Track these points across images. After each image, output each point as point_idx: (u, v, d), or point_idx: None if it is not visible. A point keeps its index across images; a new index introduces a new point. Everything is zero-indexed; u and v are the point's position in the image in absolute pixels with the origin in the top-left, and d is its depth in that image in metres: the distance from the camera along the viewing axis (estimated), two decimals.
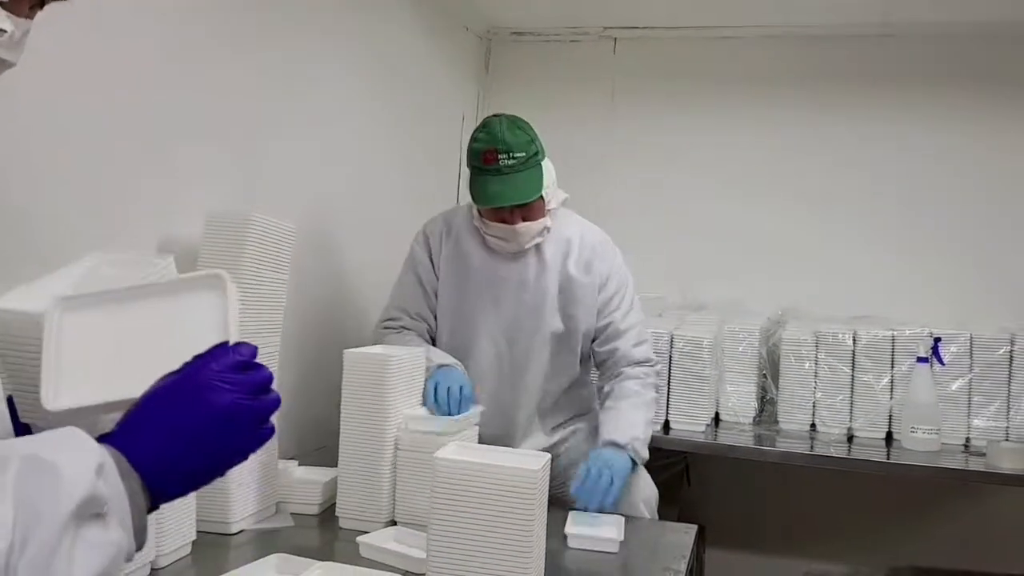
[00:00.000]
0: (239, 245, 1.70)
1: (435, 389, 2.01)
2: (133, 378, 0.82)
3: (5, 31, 0.84)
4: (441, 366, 2.11)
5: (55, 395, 0.88)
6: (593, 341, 2.27)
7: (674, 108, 3.38)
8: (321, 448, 2.26)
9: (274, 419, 0.87)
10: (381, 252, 2.73)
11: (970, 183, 3.08)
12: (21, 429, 0.95)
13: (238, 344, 0.86)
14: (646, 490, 2.20)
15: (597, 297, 2.24)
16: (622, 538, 1.79)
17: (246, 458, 0.85)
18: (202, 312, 0.94)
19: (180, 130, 1.83)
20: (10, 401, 0.97)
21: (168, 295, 0.98)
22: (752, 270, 3.21)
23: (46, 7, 0.93)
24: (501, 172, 2.06)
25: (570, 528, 1.80)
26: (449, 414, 1.98)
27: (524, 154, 2.07)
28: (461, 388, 2.02)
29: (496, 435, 2.18)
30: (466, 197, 3.31)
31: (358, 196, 2.63)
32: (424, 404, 2.00)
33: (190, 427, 0.80)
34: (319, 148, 2.39)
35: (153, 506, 0.80)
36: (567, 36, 3.49)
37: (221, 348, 0.85)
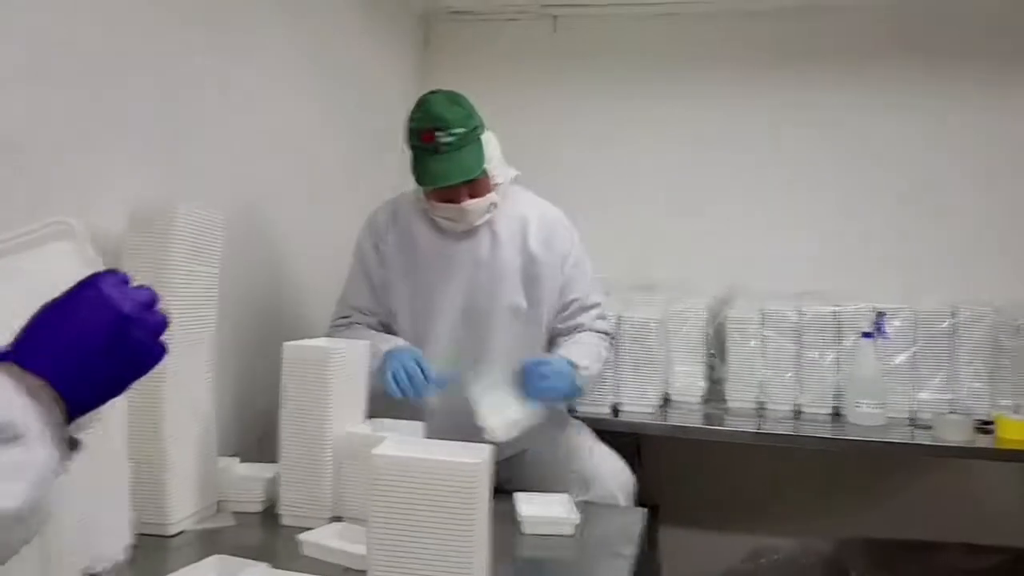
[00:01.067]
0: (165, 238, 1.64)
1: (393, 377, 1.97)
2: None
3: None
4: (389, 352, 2.07)
5: None
6: (556, 316, 2.25)
7: (616, 87, 3.35)
8: (262, 437, 2.21)
9: (165, 340, 0.86)
10: (323, 239, 2.67)
11: (910, 157, 3.10)
12: None
13: (111, 270, 0.85)
14: (621, 476, 2.19)
15: (560, 275, 2.22)
16: (576, 518, 1.77)
17: (145, 367, 0.85)
18: (61, 261, 0.89)
19: (102, 120, 1.74)
20: None
21: (16, 251, 0.92)
22: (698, 248, 3.20)
23: None
24: (439, 151, 2.01)
25: (524, 511, 1.79)
26: (416, 397, 1.96)
27: (463, 129, 2.02)
28: (418, 362, 1.99)
29: (455, 422, 2.15)
30: (410, 179, 3.29)
31: (296, 182, 2.56)
32: (389, 393, 1.97)
33: (84, 330, 0.80)
34: (253, 134, 2.31)
35: (73, 415, 0.79)
36: (506, 14, 3.44)
37: (97, 273, 0.85)
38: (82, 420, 0.80)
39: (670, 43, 3.31)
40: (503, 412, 1.99)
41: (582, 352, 2.16)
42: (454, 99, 2.07)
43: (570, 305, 2.24)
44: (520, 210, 2.22)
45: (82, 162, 1.70)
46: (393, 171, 3.29)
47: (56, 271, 0.88)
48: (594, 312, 2.27)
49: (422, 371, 2.00)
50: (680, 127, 3.29)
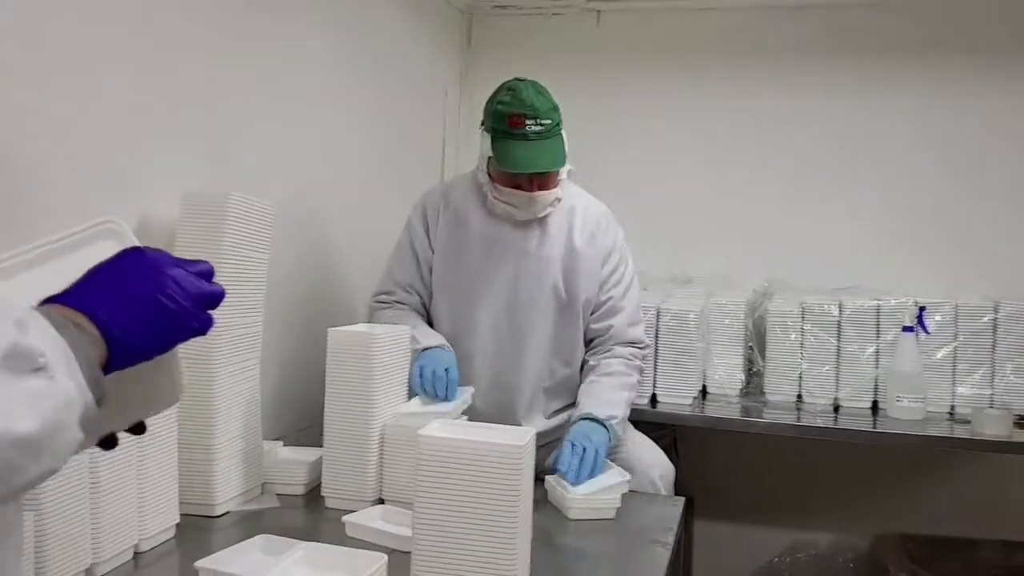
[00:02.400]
0: (217, 225, 1.69)
1: (420, 373, 2.00)
2: None
3: None
4: (426, 348, 2.10)
5: None
6: (591, 315, 2.26)
7: (658, 80, 3.35)
8: (307, 428, 2.25)
9: (215, 315, 0.87)
10: (365, 228, 2.71)
11: (953, 152, 3.07)
12: None
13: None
14: (661, 465, 2.20)
15: (600, 271, 2.22)
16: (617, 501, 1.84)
17: (191, 332, 0.84)
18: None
19: (155, 112, 1.80)
20: None
21: (67, 252, 0.96)
22: (738, 242, 3.20)
23: None
24: (528, 137, 2.03)
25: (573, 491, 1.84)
26: (436, 397, 1.97)
27: (551, 121, 2.04)
28: (447, 370, 2.01)
29: (496, 411, 2.18)
30: (451, 169, 3.33)
31: (341, 173, 2.60)
32: (410, 388, 2.00)
33: (129, 276, 0.80)
34: (299, 127, 2.36)
35: (116, 361, 0.78)
36: (550, 9, 3.45)
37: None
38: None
39: (713, 37, 3.30)
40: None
41: (605, 400, 2.12)
42: (541, 90, 2.09)
43: (605, 303, 2.24)
44: (569, 203, 2.23)
45: (138, 155, 1.75)
46: (435, 161, 3.34)
47: None
48: (627, 315, 2.25)
49: (448, 377, 2.02)
50: (721, 120, 3.28)
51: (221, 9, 2.00)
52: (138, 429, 0.93)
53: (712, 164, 3.28)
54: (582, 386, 2.20)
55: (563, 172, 2.15)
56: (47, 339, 0.69)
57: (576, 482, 1.88)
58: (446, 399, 1.99)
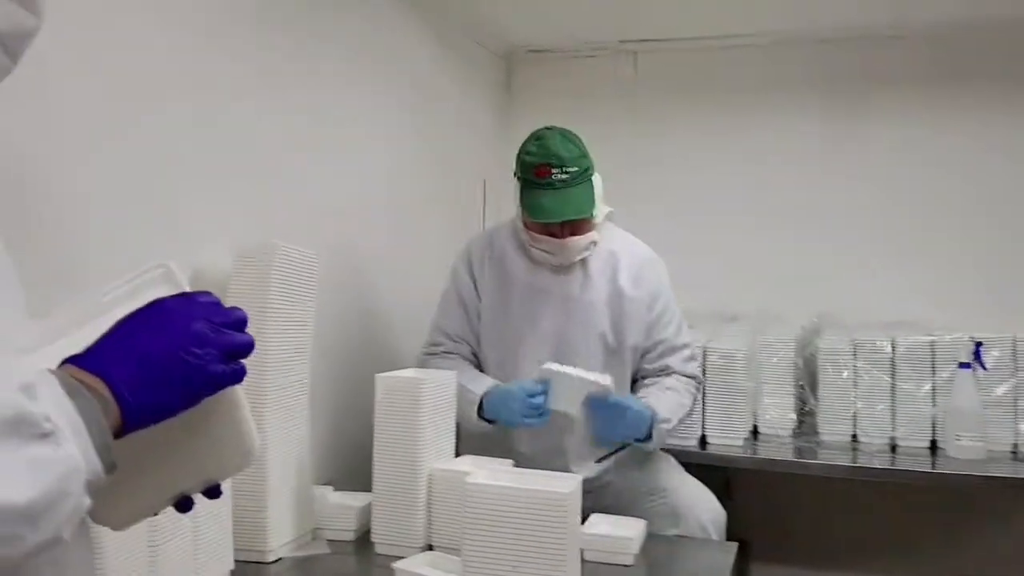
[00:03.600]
0: (265, 275, 1.72)
1: (511, 418, 2.03)
2: None
3: None
4: (485, 394, 2.11)
5: None
6: (643, 357, 2.24)
7: (697, 117, 3.36)
8: (355, 473, 2.26)
9: (247, 363, 0.85)
10: (410, 273, 2.74)
11: (1002, 183, 3.01)
12: None
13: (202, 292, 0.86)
14: (711, 509, 2.16)
15: (647, 313, 2.22)
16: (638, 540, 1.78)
17: (214, 386, 0.82)
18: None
19: (209, 163, 1.85)
20: None
21: (121, 302, 0.97)
22: (784, 278, 3.15)
23: None
24: (554, 187, 2.05)
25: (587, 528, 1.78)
26: (537, 415, 2.00)
27: (577, 168, 2.06)
28: (521, 387, 2.02)
29: (545, 457, 2.17)
30: (492, 215, 3.35)
31: (385, 219, 2.64)
32: (458, 442, 2.01)
33: (146, 335, 0.79)
34: (346, 174, 2.40)
35: (131, 423, 0.76)
36: (585, 51, 3.48)
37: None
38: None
39: (750, 71, 3.30)
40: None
41: (667, 403, 2.13)
42: (569, 137, 2.11)
43: (658, 346, 2.23)
44: (612, 247, 2.24)
45: (192, 207, 1.79)
46: (478, 207, 3.36)
47: None
48: (683, 354, 2.25)
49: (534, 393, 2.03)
50: (762, 155, 3.26)
51: (270, 60, 2.05)
52: (213, 492, 0.91)
53: (755, 199, 3.25)
54: (643, 389, 2.21)
55: (599, 215, 2.15)
56: (56, 404, 0.69)
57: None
58: (540, 415, 2.01)
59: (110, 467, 0.73)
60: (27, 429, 0.66)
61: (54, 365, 0.76)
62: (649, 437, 2.06)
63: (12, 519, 0.64)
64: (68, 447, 0.68)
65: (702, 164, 3.33)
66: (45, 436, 0.67)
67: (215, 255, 1.80)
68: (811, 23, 3.09)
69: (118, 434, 0.75)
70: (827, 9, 2.96)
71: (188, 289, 0.93)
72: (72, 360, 0.76)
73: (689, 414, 2.30)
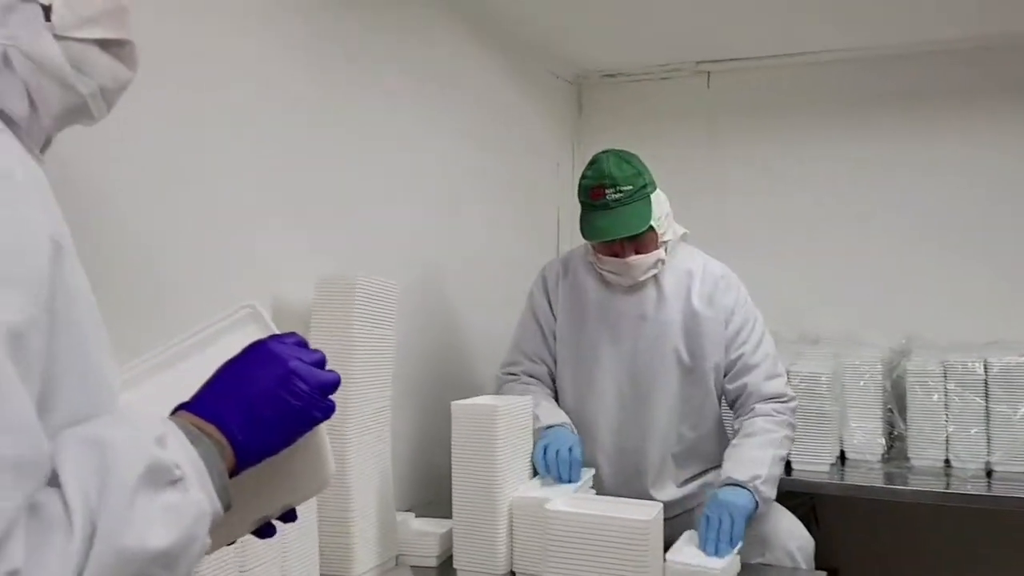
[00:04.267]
0: (347, 306, 1.75)
1: (544, 452, 2.00)
2: None
3: (51, 3, 0.84)
4: (549, 427, 2.11)
5: None
6: (724, 377, 2.21)
7: (774, 136, 3.31)
8: (434, 500, 2.27)
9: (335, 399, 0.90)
10: (486, 299, 2.76)
11: None
12: None
13: (289, 333, 0.92)
14: (799, 537, 2.10)
15: (724, 331, 2.19)
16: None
17: (313, 424, 0.88)
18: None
19: (287, 195, 1.90)
20: None
21: (211, 342, 1.01)
22: (869, 298, 3.08)
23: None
24: (608, 206, 2.06)
25: (672, 555, 1.70)
26: (560, 478, 1.97)
27: (631, 187, 2.06)
28: (571, 450, 2.00)
29: (624, 480, 2.16)
30: (567, 241, 3.36)
31: (460, 246, 2.67)
32: (533, 466, 2.00)
33: (253, 380, 0.85)
34: (421, 202, 2.44)
35: (243, 463, 0.82)
36: (659, 73, 3.47)
37: (270, 336, 0.91)
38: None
39: (826, 88, 3.24)
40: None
41: (746, 460, 2.04)
42: (625, 158, 2.12)
43: (736, 363, 2.19)
44: (686, 266, 2.23)
45: (275, 240, 1.85)
46: (551, 231, 3.38)
47: None
48: (763, 370, 2.19)
49: (571, 456, 2.00)
50: (842, 173, 3.20)
51: (346, 93, 2.11)
52: (289, 516, 0.96)
53: (837, 217, 3.19)
54: (726, 451, 2.13)
55: (667, 234, 2.14)
56: (183, 452, 0.75)
57: (713, 554, 1.80)
58: (569, 480, 1.97)
59: (227, 507, 0.79)
60: (161, 477, 0.72)
61: (154, 404, 0.82)
62: (758, 503, 1.98)
63: (153, 563, 0.69)
64: (195, 493, 0.74)
65: (779, 183, 3.28)
66: (175, 483, 0.73)
67: (296, 286, 1.85)
68: (885, 38, 3.03)
69: (231, 474, 0.81)
70: (903, 24, 2.90)
71: (275, 328, 0.98)
72: (186, 407, 0.83)
73: (791, 438, 2.20)
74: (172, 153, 1.58)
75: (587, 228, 2.11)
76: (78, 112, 0.89)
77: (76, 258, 0.77)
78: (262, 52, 1.85)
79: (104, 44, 0.88)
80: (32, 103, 0.82)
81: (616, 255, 2.13)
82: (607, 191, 2.05)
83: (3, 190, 0.71)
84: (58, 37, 0.84)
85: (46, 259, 0.71)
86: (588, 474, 2.05)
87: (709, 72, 3.42)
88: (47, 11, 0.83)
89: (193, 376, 0.87)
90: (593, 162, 2.13)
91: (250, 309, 1.04)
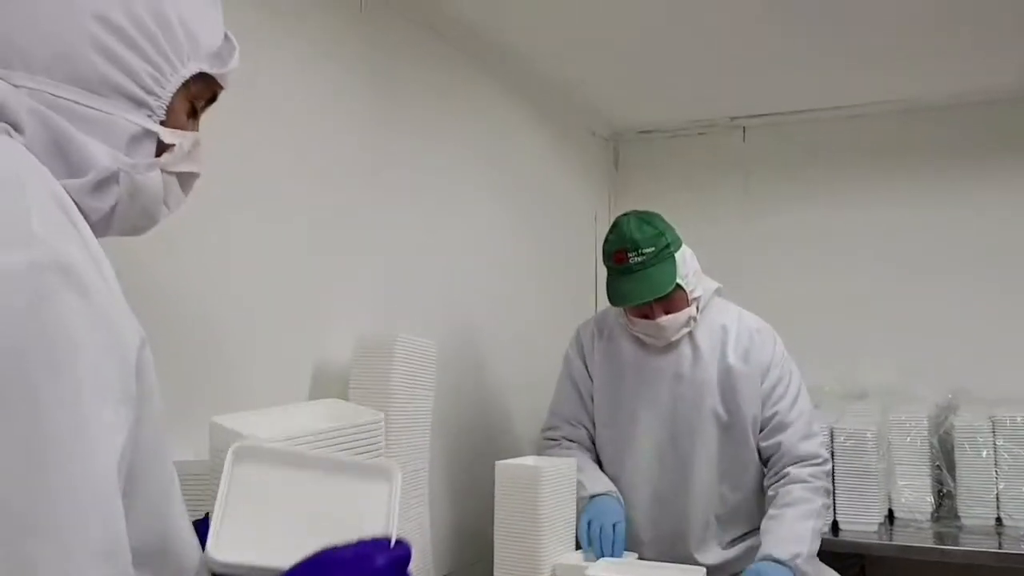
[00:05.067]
0: (386, 366, 1.76)
1: (588, 526, 1.98)
2: (292, 547, 0.87)
3: (174, 145, 0.91)
4: (594, 496, 2.09)
5: (218, 545, 0.92)
6: (759, 433, 2.17)
7: (811, 189, 3.30)
8: (477, 563, 2.25)
9: None
10: (523, 358, 2.75)
11: None
12: None
13: (399, 544, 0.90)
14: None
15: (759, 387, 2.16)
16: None
17: None
18: (368, 499, 1.01)
19: (328, 256, 1.93)
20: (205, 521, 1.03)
21: (340, 472, 1.04)
22: (914, 351, 3.02)
23: (203, 114, 0.99)
24: (631, 270, 2.05)
25: None
26: (602, 554, 1.95)
27: (653, 248, 2.05)
28: (615, 526, 1.98)
29: (667, 542, 2.13)
30: (603, 297, 3.34)
31: (497, 305, 2.67)
32: (576, 538, 1.98)
33: None
34: (458, 261, 2.45)
35: None
36: (694, 129, 3.50)
37: (383, 543, 0.90)
38: None
39: (861, 141, 3.24)
40: None
41: (787, 536, 1.99)
42: (646, 219, 2.11)
43: (771, 420, 2.14)
44: (721, 321, 2.20)
45: (312, 300, 1.87)
46: (589, 289, 3.38)
47: (367, 514, 1.00)
48: (798, 429, 2.13)
49: (615, 532, 1.99)
50: (881, 224, 3.17)
51: (385, 153, 2.14)
52: None
53: (876, 270, 3.16)
54: (763, 522, 2.07)
55: (696, 290, 2.12)
56: None
57: None
58: (611, 555, 1.95)
59: None
60: None
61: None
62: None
63: None
64: None
65: (820, 236, 3.26)
66: None
67: (335, 347, 1.86)
68: (921, 90, 3.03)
69: None
70: (940, 76, 2.90)
71: (397, 507, 1.02)
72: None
73: (827, 505, 2.16)
74: (209, 215, 1.60)
75: (612, 293, 2.10)
76: (137, 229, 0.93)
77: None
78: (313, 117, 1.90)
79: (185, 176, 0.94)
80: (112, 213, 0.85)
81: (646, 317, 2.11)
82: (629, 255, 2.04)
83: (101, 293, 0.72)
84: (163, 171, 0.90)
85: (134, 360, 0.74)
86: (631, 557, 2.02)
87: (744, 127, 3.43)
88: (160, 146, 0.89)
89: (305, 487, 0.96)
90: (615, 226, 2.13)
91: (391, 469, 1.07)
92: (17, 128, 0.79)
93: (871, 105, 3.17)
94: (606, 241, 2.13)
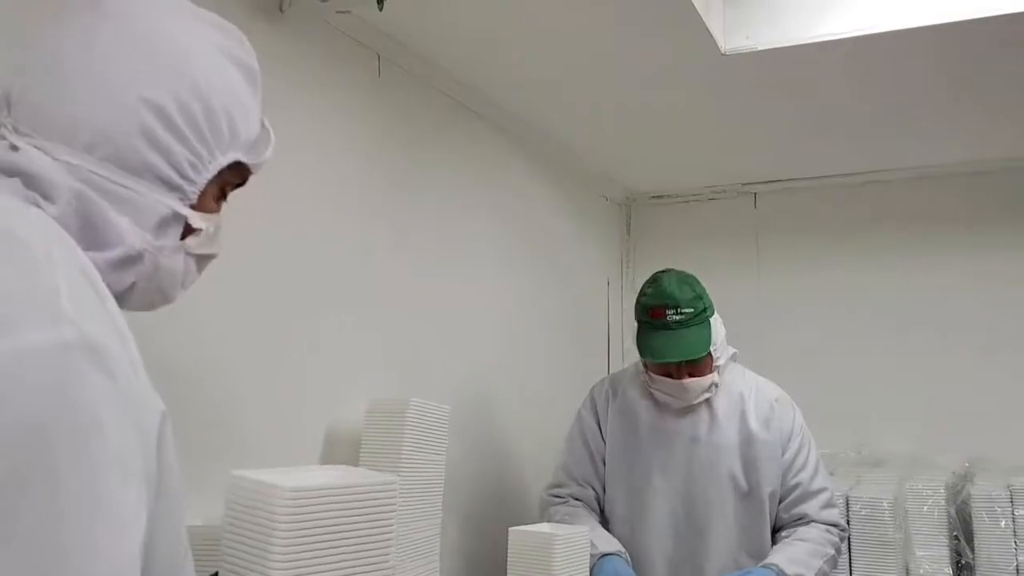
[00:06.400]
0: (398, 431, 1.75)
1: None
2: None
3: (200, 229, 0.92)
4: (605, 555, 2.06)
5: None
6: (779, 504, 2.16)
7: (823, 254, 3.32)
8: None
9: None
10: (535, 421, 2.75)
11: None
12: None
13: None
14: None
15: (781, 457, 2.15)
16: None
17: None
18: None
19: (338, 319, 1.94)
20: None
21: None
22: (930, 418, 3.00)
23: (229, 197, 1.00)
24: (669, 327, 2.06)
25: None
26: None
27: (692, 310, 2.06)
28: None
29: None
30: (617, 362, 3.35)
31: (509, 368, 2.68)
32: None
33: None
34: (472, 325, 2.47)
35: None
36: (706, 195, 3.53)
37: None
38: None
39: (876, 209, 3.26)
40: None
41: (794, 555, 2.02)
42: (687, 280, 2.13)
43: (793, 491, 2.14)
44: (739, 388, 2.20)
45: (323, 364, 1.88)
46: (602, 354, 3.38)
47: None
48: (820, 499, 2.14)
49: None
50: (895, 291, 3.18)
51: (398, 219, 2.17)
52: None
53: (891, 337, 3.15)
54: (775, 545, 2.09)
55: (720, 358, 2.13)
56: None
57: None
58: None
59: None
60: None
61: None
62: None
63: None
64: None
65: (832, 302, 3.26)
66: None
67: (347, 410, 1.87)
68: (932, 158, 3.07)
69: None
70: (952, 144, 2.93)
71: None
72: None
73: (835, 563, 2.16)
74: (226, 281, 1.61)
75: (645, 348, 2.09)
76: (150, 306, 0.94)
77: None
78: (330, 182, 1.93)
79: (204, 258, 0.96)
80: (130, 290, 0.87)
81: (671, 376, 2.12)
82: (668, 312, 2.06)
83: (126, 371, 0.72)
84: (185, 253, 0.91)
85: (156, 436, 0.74)
86: None
87: (755, 193, 3.47)
88: (187, 229, 0.91)
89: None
90: (654, 280, 2.14)
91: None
92: (48, 199, 0.80)
93: (881, 172, 3.20)
94: (643, 294, 2.14)
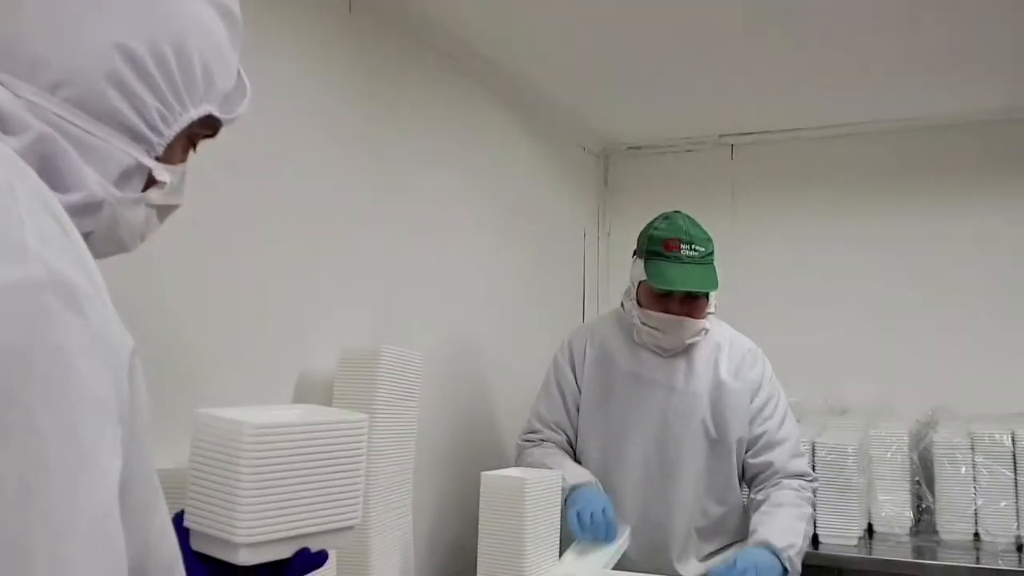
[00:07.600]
0: (371, 378, 1.77)
1: (578, 517, 2.00)
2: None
3: (165, 182, 0.89)
4: (575, 487, 2.10)
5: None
6: (746, 452, 2.21)
7: (798, 208, 3.35)
8: (459, 574, 2.27)
9: None
10: (511, 371, 2.78)
11: None
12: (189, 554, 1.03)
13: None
14: None
15: (749, 405, 2.19)
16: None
17: None
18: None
19: (312, 267, 1.94)
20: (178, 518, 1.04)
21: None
22: (895, 369, 3.06)
23: (198, 147, 0.96)
24: (682, 260, 2.07)
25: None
26: (598, 538, 1.97)
27: (704, 249, 2.10)
28: (604, 511, 2.01)
29: (648, 553, 2.14)
30: (592, 309, 3.38)
31: (486, 318, 2.70)
32: (562, 535, 2.00)
33: None
34: (447, 274, 2.47)
35: None
36: (683, 146, 3.54)
37: None
38: None
39: (852, 162, 3.28)
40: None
41: (783, 528, 2.03)
42: (696, 222, 2.16)
43: (760, 438, 2.18)
44: (714, 338, 2.23)
45: (296, 311, 1.89)
46: (576, 300, 3.40)
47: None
48: (787, 448, 2.18)
49: (605, 517, 2.02)
50: (866, 244, 3.22)
51: (378, 169, 2.17)
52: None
53: (859, 289, 3.20)
54: (755, 516, 2.11)
55: (711, 306, 2.16)
56: None
57: None
58: (605, 540, 1.98)
59: None
60: None
61: None
62: (786, 571, 1.97)
63: None
64: None
65: (805, 254, 3.30)
66: None
67: (320, 357, 1.88)
68: (908, 111, 3.08)
69: None
70: (927, 97, 2.94)
71: None
72: None
73: (813, 519, 2.19)
74: (199, 224, 1.61)
75: (660, 276, 2.08)
76: (105, 255, 0.89)
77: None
78: (302, 126, 1.92)
79: (166, 208, 0.92)
80: (86, 237, 0.79)
81: (668, 311, 2.14)
82: (682, 246, 2.07)
83: (96, 308, 0.68)
84: (147, 205, 0.88)
85: (127, 371, 0.70)
86: (625, 531, 2.05)
87: (732, 145, 3.47)
88: (149, 180, 0.87)
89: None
90: (667, 217, 2.16)
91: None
92: (8, 132, 0.76)
93: (858, 125, 3.21)
94: (654, 228, 2.14)
